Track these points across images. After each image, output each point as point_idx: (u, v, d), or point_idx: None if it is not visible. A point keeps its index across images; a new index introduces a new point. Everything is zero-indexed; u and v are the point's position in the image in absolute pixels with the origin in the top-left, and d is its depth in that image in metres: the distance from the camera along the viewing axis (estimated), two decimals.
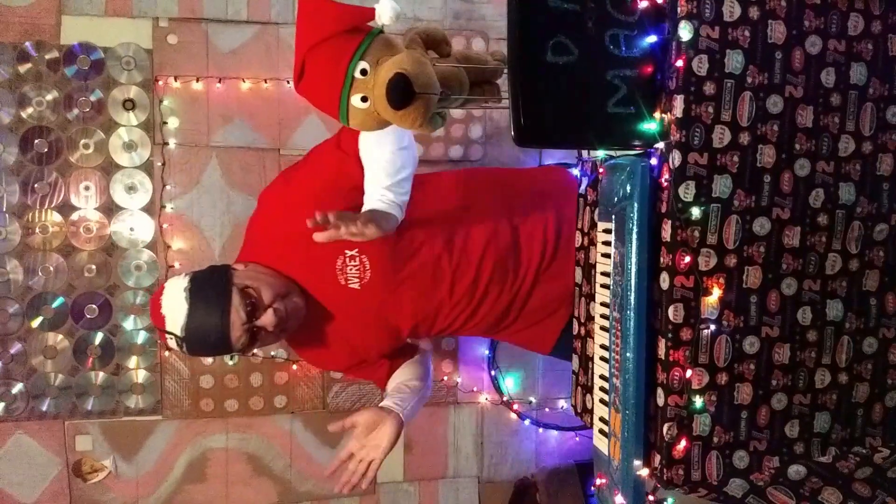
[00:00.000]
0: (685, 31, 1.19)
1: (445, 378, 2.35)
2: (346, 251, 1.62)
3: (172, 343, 1.58)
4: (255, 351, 2.25)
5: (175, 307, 1.54)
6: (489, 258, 1.68)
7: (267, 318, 1.56)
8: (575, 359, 1.61)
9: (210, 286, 1.55)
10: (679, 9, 1.20)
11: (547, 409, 2.39)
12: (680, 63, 1.20)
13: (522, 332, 1.85)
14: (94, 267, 2.16)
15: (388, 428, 1.66)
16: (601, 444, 1.40)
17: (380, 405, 1.72)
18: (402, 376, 1.84)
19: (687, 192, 1.22)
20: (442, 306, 1.71)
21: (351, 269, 1.63)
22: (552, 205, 1.76)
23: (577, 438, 2.40)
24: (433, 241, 1.67)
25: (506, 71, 1.35)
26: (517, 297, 1.75)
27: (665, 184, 1.23)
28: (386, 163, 1.55)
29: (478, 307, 1.73)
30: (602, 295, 1.41)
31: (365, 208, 1.54)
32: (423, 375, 1.85)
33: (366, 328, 1.73)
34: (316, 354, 1.89)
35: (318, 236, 1.40)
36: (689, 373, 1.24)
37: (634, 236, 1.25)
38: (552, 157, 2.32)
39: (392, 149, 1.56)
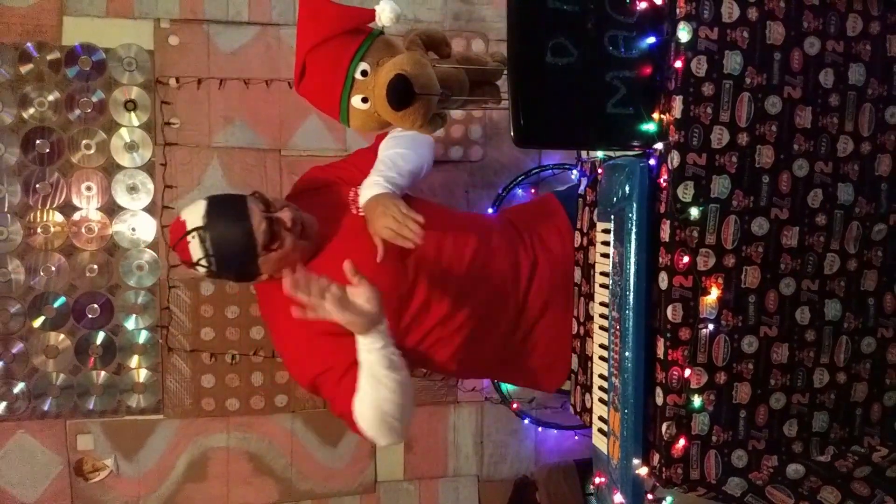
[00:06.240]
0: (684, 33, 1.20)
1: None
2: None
3: (196, 247, 1.55)
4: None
5: (194, 209, 1.59)
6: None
7: (284, 213, 1.59)
8: (574, 358, 1.62)
9: (227, 195, 1.66)
10: (678, 10, 1.20)
11: (546, 408, 2.40)
12: (679, 64, 1.20)
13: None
14: (95, 267, 2.16)
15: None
16: (600, 442, 1.40)
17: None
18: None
19: (685, 192, 1.22)
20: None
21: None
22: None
23: (577, 437, 2.40)
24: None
25: (505, 72, 1.35)
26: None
27: (664, 184, 1.24)
28: (386, 158, 1.69)
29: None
30: (601, 295, 1.41)
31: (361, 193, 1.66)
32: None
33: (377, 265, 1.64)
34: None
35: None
36: (687, 372, 1.25)
37: (633, 236, 1.26)
38: (552, 157, 2.32)
39: (399, 150, 1.70)
